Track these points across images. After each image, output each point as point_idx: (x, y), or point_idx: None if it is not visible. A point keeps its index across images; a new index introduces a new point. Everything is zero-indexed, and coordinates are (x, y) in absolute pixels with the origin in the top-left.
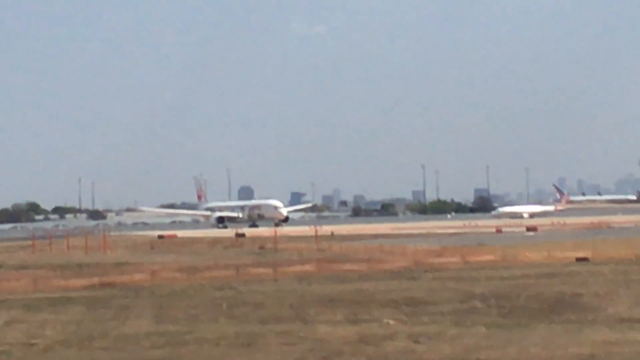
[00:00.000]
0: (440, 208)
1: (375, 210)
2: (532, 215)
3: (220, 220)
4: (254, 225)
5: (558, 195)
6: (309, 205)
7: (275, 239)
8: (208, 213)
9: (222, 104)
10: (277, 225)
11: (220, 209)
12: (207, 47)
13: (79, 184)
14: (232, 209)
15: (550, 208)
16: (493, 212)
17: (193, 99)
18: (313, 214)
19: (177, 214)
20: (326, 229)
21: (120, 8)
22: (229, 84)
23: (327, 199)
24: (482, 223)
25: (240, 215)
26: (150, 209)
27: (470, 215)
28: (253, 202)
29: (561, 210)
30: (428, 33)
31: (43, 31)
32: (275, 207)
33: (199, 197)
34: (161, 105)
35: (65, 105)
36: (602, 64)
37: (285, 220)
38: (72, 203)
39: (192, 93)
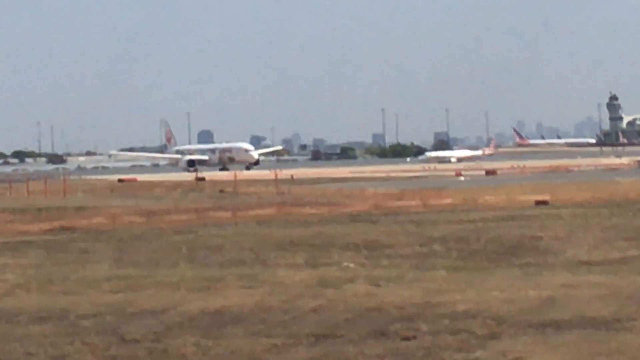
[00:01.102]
0: (399, 152)
1: (335, 154)
2: (460, 160)
3: (191, 164)
4: (224, 168)
5: (517, 139)
6: (278, 148)
7: (235, 182)
8: (178, 156)
9: (181, 47)
10: (247, 168)
11: (191, 152)
12: None
13: (38, 127)
14: (203, 152)
15: (479, 152)
16: (420, 157)
17: (152, 43)
18: (273, 158)
19: (149, 157)
20: (286, 173)
21: None
22: (188, 27)
23: (286, 142)
24: (442, 167)
25: (211, 158)
26: (122, 153)
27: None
28: (224, 144)
29: (490, 155)
30: None
31: None
32: (246, 150)
33: (168, 140)
34: (121, 49)
35: (22, 48)
36: (561, 5)
37: (257, 163)
38: (32, 147)
39: (151, 37)
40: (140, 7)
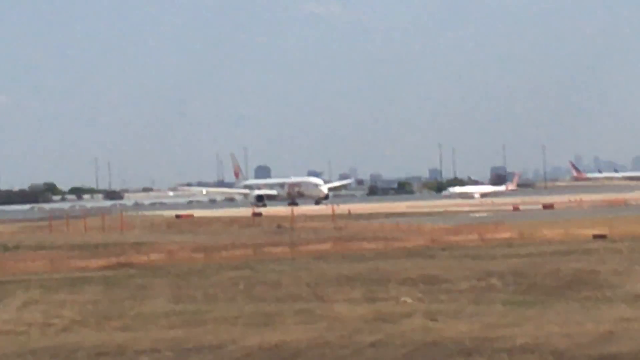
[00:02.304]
0: (456, 186)
1: (392, 189)
2: (484, 195)
3: (260, 199)
4: (293, 203)
5: (574, 173)
6: (348, 182)
7: (292, 217)
8: (246, 191)
9: (237, 83)
10: (317, 203)
11: (259, 186)
12: (224, 23)
13: (96, 164)
14: (271, 186)
15: (502, 188)
16: (444, 192)
17: (208, 79)
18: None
19: (221, 193)
20: (343, 208)
21: None
22: (244, 63)
23: (343, 177)
24: (499, 201)
25: (280, 193)
26: (196, 188)
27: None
28: (292, 179)
29: (512, 190)
30: (440, 9)
31: (54, 10)
32: (316, 185)
33: (236, 175)
34: (177, 85)
35: (80, 86)
36: (617, 39)
37: (326, 197)
38: (89, 184)
39: (206, 73)
40: (194, 43)
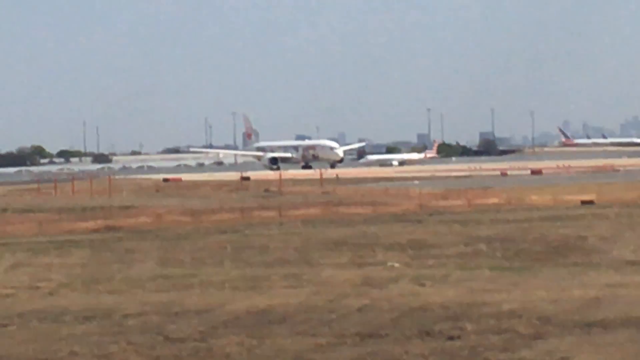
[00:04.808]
0: (445, 151)
1: (380, 154)
2: (402, 163)
3: (274, 162)
4: (307, 166)
5: (562, 138)
6: (362, 144)
7: (280, 182)
8: (260, 153)
9: (225, 48)
10: (332, 166)
11: (272, 149)
12: None
13: (84, 127)
14: (285, 149)
15: (421, 156)
16: (361, 160)
17: (196, 42)
18: None
19: (234, 155)
20: (331, 172)
21: None
22: (232, 27)
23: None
24: (487, 166)
25: (294, 155)
26: (213, 151)
27: (476, 158)
28: (307, 142)
29: (432, 158)
30: None
31: None
32: (331, 148)
33: (249, 136)
34: (165, 48)
35: (69, 49)
36: (606, 4)
37: (340, 161)
38: (77, 147)
39: (195, 36)
40: (184, 6)
